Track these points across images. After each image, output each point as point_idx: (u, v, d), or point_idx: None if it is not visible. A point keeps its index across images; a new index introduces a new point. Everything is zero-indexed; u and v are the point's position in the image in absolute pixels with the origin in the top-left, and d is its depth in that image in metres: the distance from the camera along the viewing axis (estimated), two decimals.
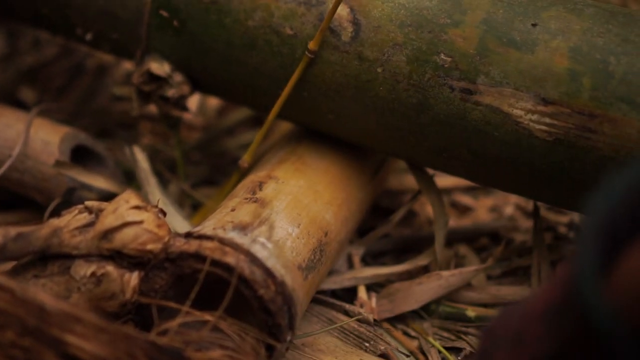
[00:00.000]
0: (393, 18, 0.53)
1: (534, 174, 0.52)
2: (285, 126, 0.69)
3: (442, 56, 0.51)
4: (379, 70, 0.53)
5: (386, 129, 0.55)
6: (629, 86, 0.48)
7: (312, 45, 0.54)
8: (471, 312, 0.58)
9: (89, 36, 0.62)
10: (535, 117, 0.50)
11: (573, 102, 0.49)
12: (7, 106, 0.65)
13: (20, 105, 0.73)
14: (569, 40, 0.49)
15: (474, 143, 0.52)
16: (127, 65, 0.81)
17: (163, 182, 0.69)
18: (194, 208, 0.66)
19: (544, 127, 0.50)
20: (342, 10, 0.53)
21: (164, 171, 0.68)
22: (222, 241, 0.48)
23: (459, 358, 0.55)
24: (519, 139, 0.51)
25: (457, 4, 0.52)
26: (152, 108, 0.67)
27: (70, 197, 0.60)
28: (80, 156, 0.63)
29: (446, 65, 0.51)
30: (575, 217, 0.67)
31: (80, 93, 0.80)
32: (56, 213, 0.58)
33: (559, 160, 0.50)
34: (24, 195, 0.62)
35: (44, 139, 0.61)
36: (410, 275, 0.60)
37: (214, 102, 0.79)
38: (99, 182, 0.62)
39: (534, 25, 0.50)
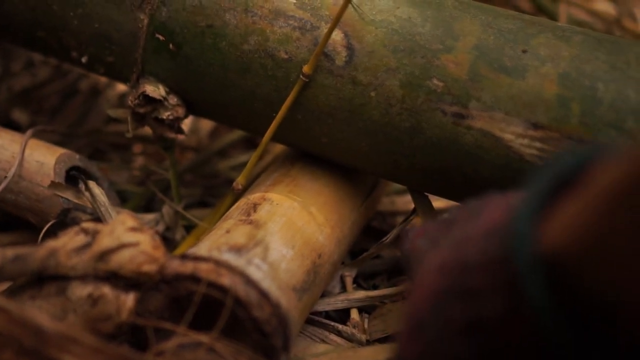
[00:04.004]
0: (386, 43, 0.54)
1: None
2: (278, 148, 0.69)
3: (435, 81, 0.52)
4: (372, 94, 0.54)
5: (379, 152, 0.55)
6: (617, 112, 0.49)
7: (306, 69, 0.54)
8: None
9: (84, 59, 0.62)
10: (525, 141, 0.51)
11: (562, 128, 0.50)
12: (1, 128, 0.65)
13: (13, 126, 0.73)
14: (558, 67, 0.51)
15: (466, 166, 0.53)
16: (121, 87, 0.81)
17: (156, 204, 0.70)
18: (187, 230, 0.66)
19: (534, 152, 0.51)
20: (337, 35, 0.54)
21: (157, 192, 0.69)
22: (218, 263, 0.48)
23: None
24: (510, 163, 0.51)
25: (449, 30, 0.53)
26: (146, 129, 0.67)
27: (65, 218, 0.61)
28: (74, 177, 0.63)
29: (438, 90, 0.52)
30: None
31: (73, 114, 0.80)
32: (50, 234, 0.58)
33: None
34: (18, 216, 0.63)
35: (39, 160, 0.61)
36: (402, 297, 0.60)
37: (206, 123, 0.80)
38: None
39: (524, 51, 0.51)
